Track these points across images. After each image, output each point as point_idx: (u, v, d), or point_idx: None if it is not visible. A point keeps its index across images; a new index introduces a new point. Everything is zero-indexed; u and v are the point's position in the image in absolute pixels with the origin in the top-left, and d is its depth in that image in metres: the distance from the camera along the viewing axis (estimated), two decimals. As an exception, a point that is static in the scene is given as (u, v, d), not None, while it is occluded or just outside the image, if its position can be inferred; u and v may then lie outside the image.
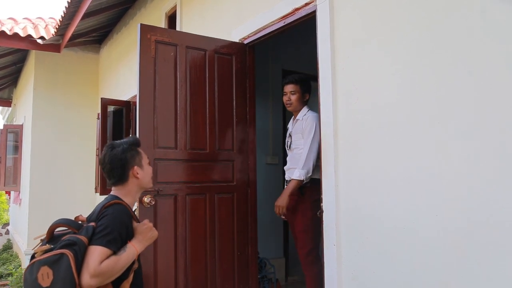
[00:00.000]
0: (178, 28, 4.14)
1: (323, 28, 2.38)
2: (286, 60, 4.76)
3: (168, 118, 2.81)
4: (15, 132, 7.81)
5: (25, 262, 6.30)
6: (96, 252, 1.59)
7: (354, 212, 2.16)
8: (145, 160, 1.91)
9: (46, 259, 1.57)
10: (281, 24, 2.77)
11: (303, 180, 2.88)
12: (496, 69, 1.58)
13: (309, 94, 3.17)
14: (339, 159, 2.26)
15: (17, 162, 7.68)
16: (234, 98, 3.12)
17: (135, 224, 1.80)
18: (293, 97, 3.12)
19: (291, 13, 2.66)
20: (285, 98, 3.18)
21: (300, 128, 3.06)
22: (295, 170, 2.93)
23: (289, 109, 3.21)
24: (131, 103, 5.34)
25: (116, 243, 1.66)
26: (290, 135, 3.19)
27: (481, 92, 1.62)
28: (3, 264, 7.11)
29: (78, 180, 6.66)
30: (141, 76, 2.73)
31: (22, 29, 6.01)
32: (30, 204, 6.42)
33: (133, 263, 1.73)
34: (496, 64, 1.58)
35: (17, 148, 7.72)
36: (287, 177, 3.13)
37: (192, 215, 2.86)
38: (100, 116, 5.37)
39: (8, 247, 8.56)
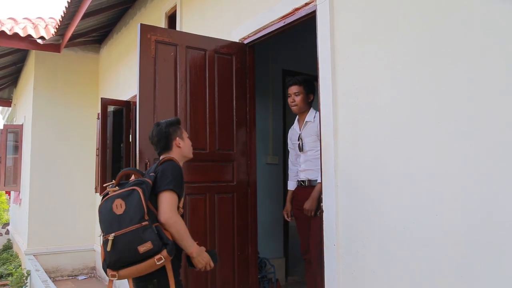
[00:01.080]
0: (178, 28, 4.14)
1: (323, 28, 2.38)
2: (286, 60, 4.76)
3: (168, 118, 2.81)
4: (15, 132, 7.81)
5: (25, 262, 6.30)
6: (169, 195, 1.97)
7: (354, 212, 2.16)
8: (185, 134, 2.28)
9: (120, 193, 1.92)
10: (281, 24, 2.77)
11: None
12: (496, 69, 1.58)
13: (313, 94, 3.16)
14: (339, 159, 2.26)
15: (17, 162, 7.68)
16: (234, 98, 3.12)
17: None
18: (297, 98, 3.12)
19: (291, 13, 2.66)
20: (289, 100, 3.18)
21: (313, 130, 3.05)
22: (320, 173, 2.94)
23: (294, 110, 3.20)
24: (131, 103, 5.34)
25: (179, 188, 2.02)
26: (300, 138, 3.16)
27: (481, 92, 1.62)
28: (3, 264, 7.09)
29: (78, 180, 6.65)
30: (141, 76, 2.73)
31: (22, 29, 6.00)
32: (30, 204, 6.41)
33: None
34: (496, 64, 1.58)
35: (17, 148, 7.71)
36: (303, 177, 3.13)
37: (192, 215, 2.86)
38: (100, 116, 5.37)
39: (8, 247, 8.55)
